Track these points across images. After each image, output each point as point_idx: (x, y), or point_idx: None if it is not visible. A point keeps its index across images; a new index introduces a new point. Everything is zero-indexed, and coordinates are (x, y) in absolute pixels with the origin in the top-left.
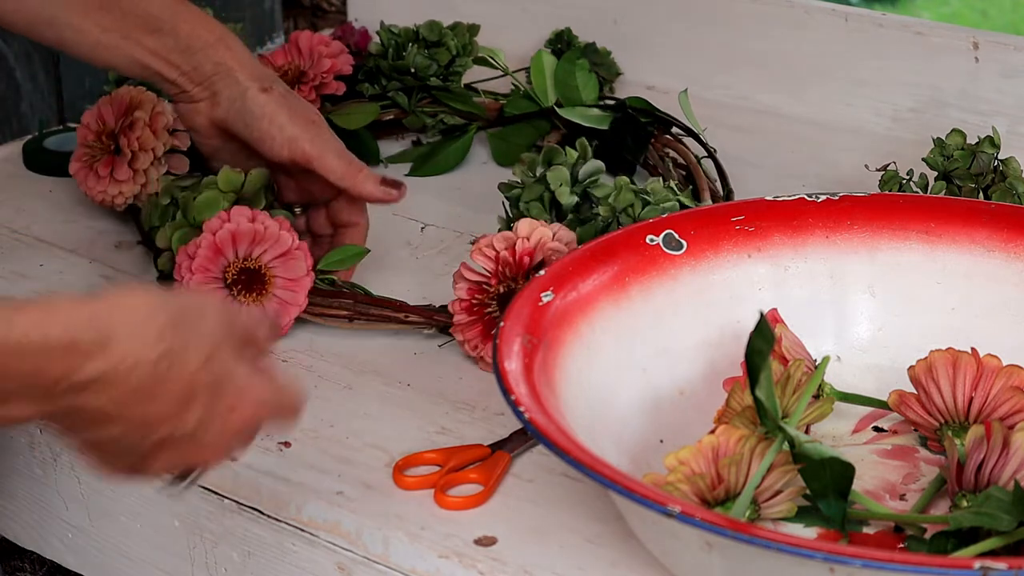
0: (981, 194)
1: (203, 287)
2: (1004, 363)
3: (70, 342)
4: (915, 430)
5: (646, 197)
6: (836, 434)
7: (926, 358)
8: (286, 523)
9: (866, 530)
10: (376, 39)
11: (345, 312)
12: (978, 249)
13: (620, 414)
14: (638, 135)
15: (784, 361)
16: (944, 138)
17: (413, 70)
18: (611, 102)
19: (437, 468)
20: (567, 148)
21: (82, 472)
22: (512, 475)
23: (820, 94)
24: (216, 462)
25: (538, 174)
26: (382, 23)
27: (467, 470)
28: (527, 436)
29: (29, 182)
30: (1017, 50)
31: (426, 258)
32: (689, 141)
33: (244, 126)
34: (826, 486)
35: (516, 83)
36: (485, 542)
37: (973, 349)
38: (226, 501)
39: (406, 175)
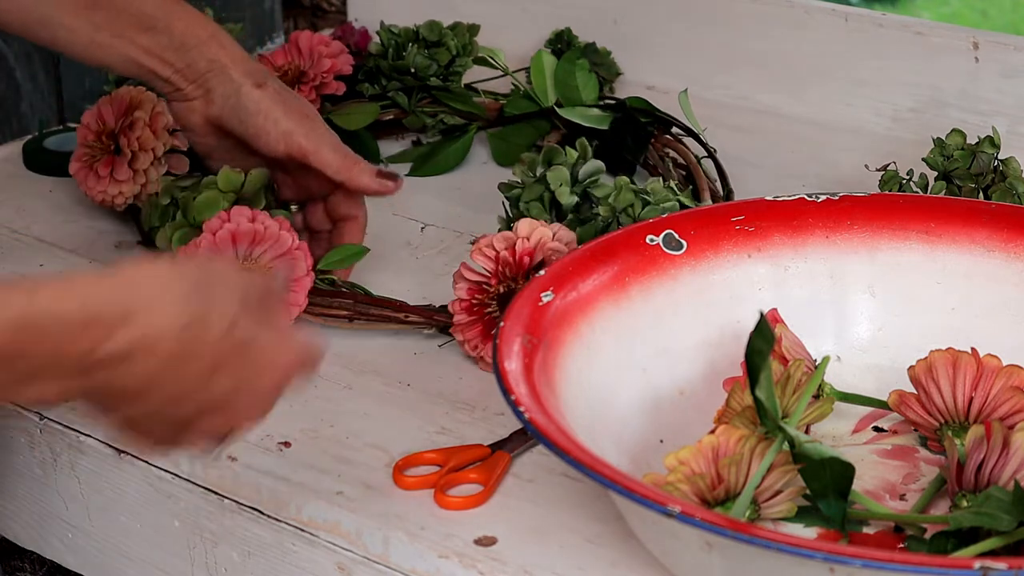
0: (981, 194)
1: (212, 252)
2: (1004, 363)
3: (92, 317)
4: (915, 430)
5: (646, 197)
6: (836, 434)
7: (926, 358)
8: (286, 523)
9: (866, 530)
10: (376, 39)
11: (345, 312)
12: (978, 249)
13: (620, 414)
14: (638, 135)
15: (784, 361)
16: (944, 138)
17: (413, 70)
18: (611, 102)
19: (437, 468)
20: (567, 148)
21: (82, 472)
22: (512, 475)
23: (820, 94)
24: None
25: (538, 174)
26: (382, 23)
27: (467, 470)
28: (527, 436)
29: (29, 182)
30: (1017, 50)
31: (426, 258)
32: (689, 141)
33: (239, 122)
34: (826, 486)
35: (516, 83)
36: (485, 542)
37: (973, 349)
38: (226, 501)
39: (406, 175)
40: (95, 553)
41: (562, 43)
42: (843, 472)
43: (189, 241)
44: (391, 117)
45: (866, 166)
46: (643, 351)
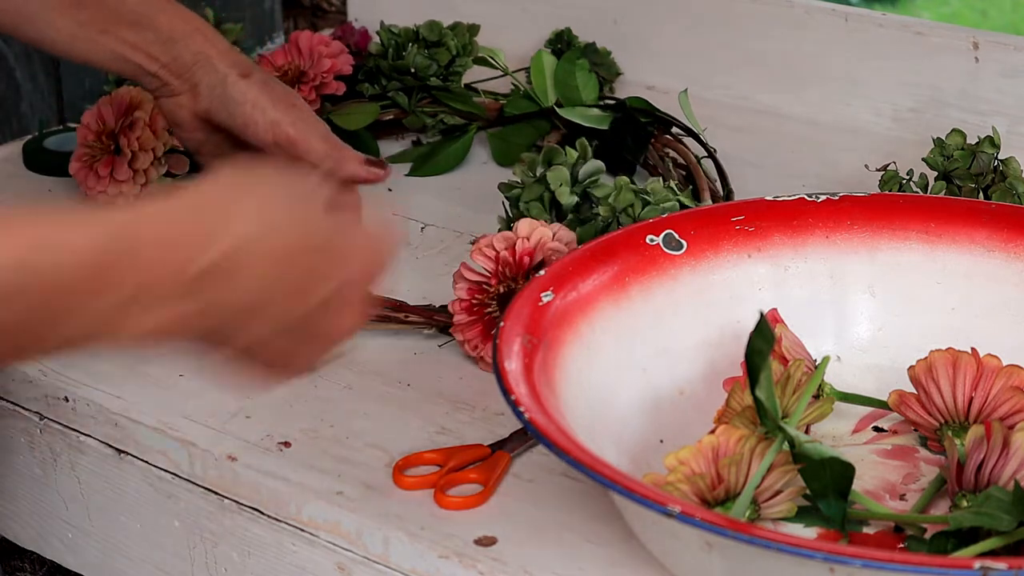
0: (981, 194)
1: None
2: (1004, 363)
3: (177, 236)
4: (915, 430)
5: (646, 197)
6: (836, 434)
7: (926, 358)
8: (286, 523)
9: (866, 530)
10: (376, 39)
11: None
12: (978, 249)
13: (620, 414)
14: (638, 135)
15: (784, 361)
16: (944, 138)
17: (413, 70)
18: (611, 102)
19: (437, 468)
20: (567, 148)
21: (82, 472)
22: (512, 475)
23: (820, 94)
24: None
25: (538, 174)
26: (382, 23)
27: (467, 470)
28: (527, 436)
29: (29, 182)
30: (1017, 50)
31: (426, 258)
32: (689, 141)
33: (227, 114)
34: (826, 486)
35: (516, 83)
36: (485, 542)
37: (973, 349)
38: (226, 501)
39: (406, 175)
40: (95, 553)
41: (562, 43)
42: (843, 472)
43: None
44: (391, 117)
45: (866, 166)
46: (643, 351)
